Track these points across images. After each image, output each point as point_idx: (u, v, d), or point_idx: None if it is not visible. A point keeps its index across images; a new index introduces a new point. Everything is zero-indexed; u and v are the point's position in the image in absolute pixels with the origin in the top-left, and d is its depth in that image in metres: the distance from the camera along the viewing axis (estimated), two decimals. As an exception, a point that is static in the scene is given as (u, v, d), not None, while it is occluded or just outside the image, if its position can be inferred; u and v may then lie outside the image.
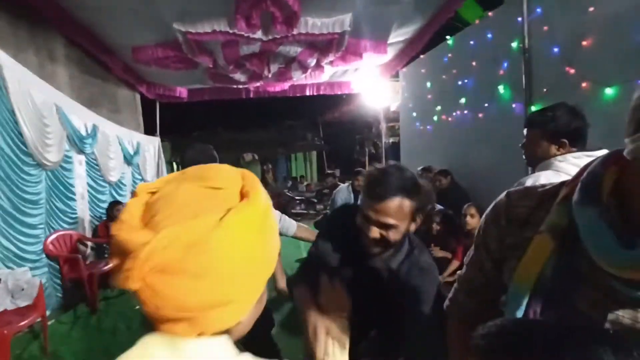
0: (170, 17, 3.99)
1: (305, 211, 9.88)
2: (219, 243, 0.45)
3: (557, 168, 1.50)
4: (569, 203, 0.60)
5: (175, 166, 12.06)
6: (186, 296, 0.45)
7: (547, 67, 3.17)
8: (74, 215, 4.43)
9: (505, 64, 3.75)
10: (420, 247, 1.25)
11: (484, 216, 0.81)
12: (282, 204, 9.80)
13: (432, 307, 1.13)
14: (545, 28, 3.20)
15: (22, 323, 2.80)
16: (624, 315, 0.57)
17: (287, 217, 2.39)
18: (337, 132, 12.67)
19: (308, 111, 11.96)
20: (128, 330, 3.43)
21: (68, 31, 4.30)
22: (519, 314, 0.62)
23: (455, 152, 4.72)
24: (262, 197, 0.51)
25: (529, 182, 1.48)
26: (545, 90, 3.20)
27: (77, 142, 4.46)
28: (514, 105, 3.64)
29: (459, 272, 0.94)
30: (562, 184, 0.67)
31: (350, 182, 5.18)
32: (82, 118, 4.70)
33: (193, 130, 11.74)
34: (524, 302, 0.62)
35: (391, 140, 9.21)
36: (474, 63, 4.29)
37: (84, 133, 4.66)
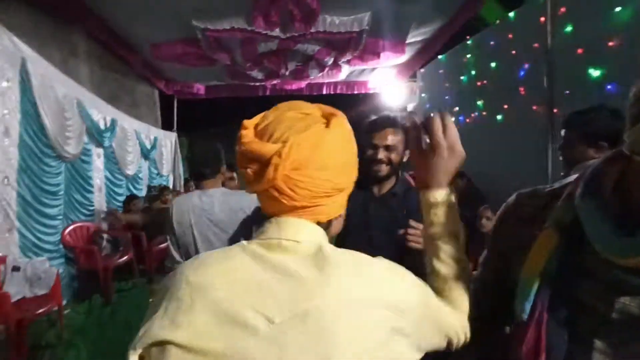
0: (189, 14, 4.03)
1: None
2: (332, 142, 0.61)
3: None
4: (573, 199, 0.63)
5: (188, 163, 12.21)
6: (315, 186, 0.60)
7: (571, 68, 3.08)
8: (91, 208, 4.52)
9: (527, 65, 3.65)
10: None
11: (495, 216, 0.83)
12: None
13: None
14: (569, 28, 3.11)
15: (40, 311, 2.87)
16: (630, 304, 0.58)
17: None
18: (353, 131, 12.59)
19: (324, 110, 11.96)
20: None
21: (90, 27, 4.39)
22: (528, 306, 0.64)
23: (472, 154, 4.52)
24: (343, 116, 0.68)
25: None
26: (567, 92, 3.11)
27: (96, 135, 4.55)
28: (534, 108, 3.55)
29: (474, 272, 0.95)
30: (569, 183, 0.69)
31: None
32: (102, 112, 4.79)
33: (209, 127, 11.83)
34: (532, 295, 0.63)
35: (407, 141, 9.12)
36: (493, 64, 4.20)
37: (102, 127, 4.75)
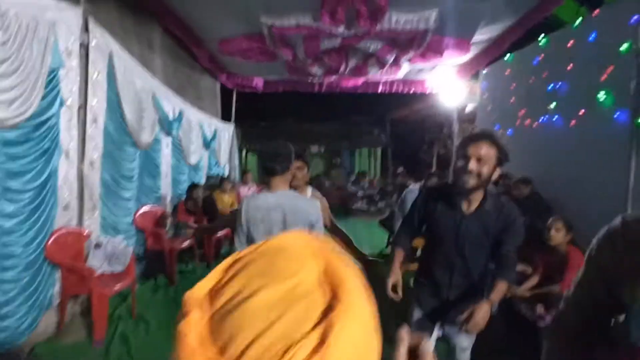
0: (259, 11, 4.14)
1: (366, 207, 9.81)
2: None
3: None
4: None
5: (244, 153, 12.57)
6: None
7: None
8: (158, 193, 4.83)
9: (611, 68, 3.41)
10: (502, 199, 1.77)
11: (595, 239, 0.81)
12: (344, 199, 9.84)
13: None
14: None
15: (117, 287, 3.13)
16: None
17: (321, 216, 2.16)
18: (404, 129, 12.38)
19: (377, 108, 11.81)
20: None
21: (166, 22, 4.65)
22: None
23: (538, 160, 4.41)
24: (357, 293, 0.39)
25: None
26: (659, 99, 2.87)
27: (166, 125, 4.83)
28: (616, 114, 3.31)
29: (566, 291, 0.94)
30: None
31: (423, 182, 5.07)
32: (171, 103, 5.07)
33: (263, 119, 12.14)
34: None
35: (462, 142, 8.84)
36: (570, 66, 3.96)
37: (171, 117, 5.04)
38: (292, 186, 2.28)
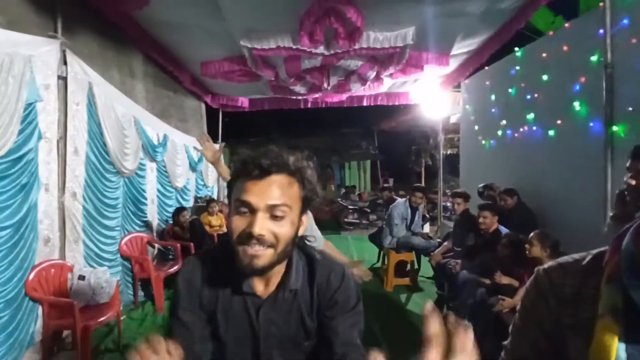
0: (238, 34, 4.18)
1: (357, 221, 9.81)
2: None
3: None
4: (618, 283, 0.64)
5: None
6: None
7: (634, 84, 2.91)
8: (144, 219, 4.79)
9: (583, 79, 3.49)
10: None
11: (525, 292, 0.80)
12: (335, 213, 9.83)
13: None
14: (634, 40, 2.94)
15: (102, 319, 3.08)
16: None
17: (316, 227, 2.23)
18: (392, 141, 12.49)
19: (364, 120, 11.93)
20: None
21: (146, 49, 4.68)
22: None
23: (520, 170, 4.47)
24: None
25: None
26: (630, 109, 2.93)
27: (150, 151, 4.82)
28: (591, 124, 3.38)
29: (504, 342, 0.90)
30: (597, 258, 0.70)
31: (408, 197, 5.10)
32: (155, 128, 5.07)
33: (250, 137, 12.18)
34: None
35: (449, 152, 8.92)
36: (545, 76, 4.04)
37: (156, 142, 5.03)
38: None
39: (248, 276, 0.90)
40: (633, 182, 1.55)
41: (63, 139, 3.25)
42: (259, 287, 0.93)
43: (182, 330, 0.92)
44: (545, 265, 0.78)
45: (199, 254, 1.02)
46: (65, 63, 3.25)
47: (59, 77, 3.20)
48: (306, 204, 0.91)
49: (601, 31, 3.12)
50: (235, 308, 0.94)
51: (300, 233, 0.92)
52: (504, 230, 3.65)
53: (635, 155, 1.58)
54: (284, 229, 0.85)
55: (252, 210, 0.83)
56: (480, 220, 3.74)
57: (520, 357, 0.85)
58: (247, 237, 0.82)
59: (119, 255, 4.12)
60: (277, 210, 0.83)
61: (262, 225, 0.82)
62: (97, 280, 3.29)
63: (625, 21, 3.01)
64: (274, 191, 0.84)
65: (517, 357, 0.86)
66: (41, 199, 3.00)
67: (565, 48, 3.75)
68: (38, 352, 2.93)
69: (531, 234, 2.99)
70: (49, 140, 3.09)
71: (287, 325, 0.94)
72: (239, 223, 0.84)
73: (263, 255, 0.83)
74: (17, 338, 2.70)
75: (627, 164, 1.60)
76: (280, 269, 0.93)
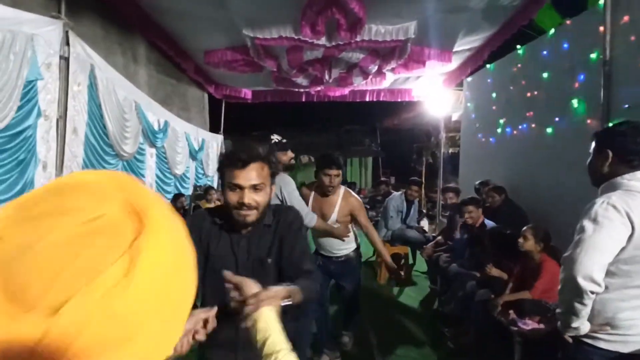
0: (241, 23, 4.21)
1: (356, 216, 9.78)
2: (136, 307, 0.34)
3: (628, 187, 1.44)
4: None
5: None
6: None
7: (632, 81, 2.90)
8: (143, 203, 4.84)
9: (582, 77, 3.48)
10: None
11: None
12: (334, 208, 9.81)
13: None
14: (633, 38, 2.93)
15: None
16: None
17: (307, 209, 2.69)
18: (394, 139, 12.48)
19: (366, 116, 11.93)
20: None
21: (150, 35, 4.72)
22: None
23: (518, 167, 4.46)
24: (164, 220, 0.39)
25: (600, 203, 1.43)
26: (627, 106, 2.93)
27: (150, 136, 4.87)
28: (588, 122, 3.37)
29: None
30: None
31: (404, 190, 5.11)
32: (156, 114, 5.12)
33: (253, 130, 12.22)
34: None
35: (450, 150, 8.90)
36: (545, 74, 4.03)
37: (156, 128, 5.08)
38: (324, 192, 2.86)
39: (240, 228, 1.33)
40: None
41: (63, 118, 3.29)
42: (243, 230, 1.35)
43: None
44: None
45: (206, 209, 1.53)
46: (67, 44, 3.28)
47: (61, 57, 3.24)
48: (273, 177, 1.33)
49: (601, 28, 3.11)
50: (224, 238, 1.35)
51: (271, 196, 1.35)
52: (490, 224, 3.66)
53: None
54: (262, 197, 1.28)
55: (241, 188, 1.24)
56: (466, 215, 3.73)
57: None
58: (240, 205, 1.25)
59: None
60: (257, 187, 1.25)
61: (249, 197, 1.24)
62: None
63: (625, 18, 3.00)
64: (253, 175, 1.25)
65: None
66: (39, 176, 3.04)
67: (565, 45, 3.75)
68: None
69: (524, 228, 3.00)
70: (49, 118, 3.14)
71: (257, 249, 1.34)
72: (233, 197, 1.26)
73: (251, 214, 1.27)
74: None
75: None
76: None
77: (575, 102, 3.53)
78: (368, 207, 10.21)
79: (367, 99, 7.01)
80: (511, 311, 2.70)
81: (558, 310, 1.54)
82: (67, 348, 0.31)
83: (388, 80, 6.24)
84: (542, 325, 2.54)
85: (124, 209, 0.36)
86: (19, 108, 2.75)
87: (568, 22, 3.88)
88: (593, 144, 1.64)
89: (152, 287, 0.35)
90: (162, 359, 0.38)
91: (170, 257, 0.38)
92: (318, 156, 3.11)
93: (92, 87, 3.65)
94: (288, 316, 0.99)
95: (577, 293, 1.38)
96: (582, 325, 1.44)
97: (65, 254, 0.33)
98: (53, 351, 0.31)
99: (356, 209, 2.98)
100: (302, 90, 6.67)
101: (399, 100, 7.17)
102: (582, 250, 1.39)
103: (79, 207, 0.35)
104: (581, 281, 1.36)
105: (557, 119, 3.80)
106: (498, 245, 3.23)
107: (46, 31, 3.04)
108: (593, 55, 3.30)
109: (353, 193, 3.03)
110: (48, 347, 0.31)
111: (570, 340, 1.53)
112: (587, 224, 1.42)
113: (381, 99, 7.04)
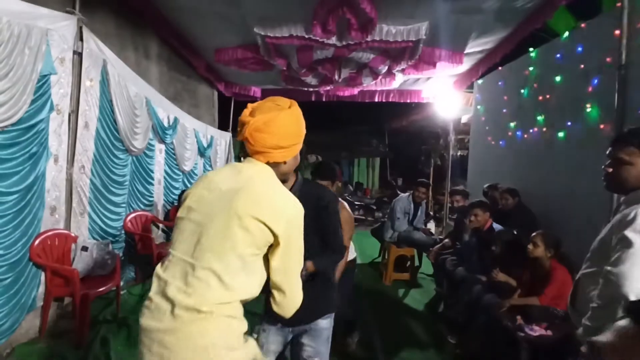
0: (252, 21, 4.22)
1: (363, 217, 9.82)
2: (280, 120, 1.25)
3: None
4: None
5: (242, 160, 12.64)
6: (266, 141, 1.24)
7: (646, 86, 2.85)
8: (150, 198, 4.88)
9: (596, 81, 3.43)
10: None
11: None
12: (340, 208, 9.82)
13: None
14: (648, 43, 2.88)
15: (101, 289, 3.15)
16: None
17: None
18: (402, 140, 12.42)
19: (375, 117, 11.87)
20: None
21: (162, 32, 4.75)
22: None
23: (528, 171, 4.41)
24: (296, 107, 1.33)
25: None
26: (640, 111, 2.88)
27: (160, 132, 4.90)
28: (601, 127, 3.32)
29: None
30: None
31: (411, 192, 5.08)
32: (166, 110, 5.15)
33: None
34: None
35: (459, 153, 8.84)
36: (558, 78, 3.98)
37: (166, 124, 5.11)
38: None
39: None
40: (610, 170, 1.58)
41: (75, 112, 3.33)
42: None
43: None
44: None
45: None
46: (81, 39, 3.32)
47: (75, 52, 3.27)
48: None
49: (617, 32, 3.06)
50: None
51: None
52: (497, 227, 3.62)
53: (613, 143, 1.60)
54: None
55: None
56: (472, 218, 3.68)
57: None
58: None
59: (123, 232, 4.21)
60: None
61: None
62: (99, 252, 3.37)
63: (642, 22, 2.95)
64: None
65: None
66: (50, 169, 3.08)
67: (580, 49, 3.70)
68: (39, 317, 3.02)
69: (534, 234, 2.95)
70: (61, 112, 3.17)
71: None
72: None
73: None
74: (19, 301, 2.79)
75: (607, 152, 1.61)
76: None
77: (588, 107, 3.48)
78: (374, 207, 10.23)
79: (377, 100, 6.97)
80: (518, 317, 2.67)
81: (587, 323, 1.40)
82: (251, 126, 1.25)
83: (398, 81, 6.20)
84: (549, 332, 2.51)
85: (287, 105, 1.34)
86: (32, 102, 2.78)
87: (583, 25, 3.82)
88: (630, 148, 1.53)
89: (285, 119, 1.28)
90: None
91: (293, 116, 1.32)
92: (316, 164, 3.17)
93: (104, 82, 3.68)
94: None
95: None
96: None
97: (266, 107, 1.30)
98: (247, 126, 1.25)
99: (342, 223, 2.74)
100: (311, 89, 6.67)
101: (409, 101, 7.13)
102: (633, 265, 1.28)
103: (275, 100, 1.35)
104: (635, 299, 1.25)
105: (569, 123, 3.75)
106: (505, 250, 3.19)
107: (61, 26, 3.08)
108: (609, 59, 3.25)
109: (346, 206, 2.90)
110: (248, 124, 1.25)
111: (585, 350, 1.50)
112: (632, 235, 1.31)
113: (390, 100, 7.00)
